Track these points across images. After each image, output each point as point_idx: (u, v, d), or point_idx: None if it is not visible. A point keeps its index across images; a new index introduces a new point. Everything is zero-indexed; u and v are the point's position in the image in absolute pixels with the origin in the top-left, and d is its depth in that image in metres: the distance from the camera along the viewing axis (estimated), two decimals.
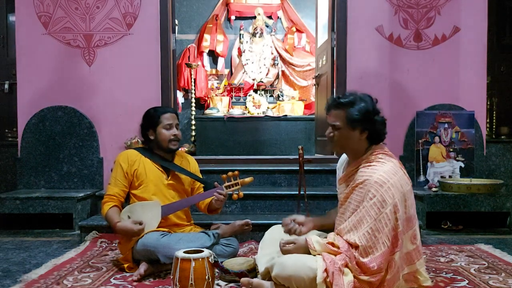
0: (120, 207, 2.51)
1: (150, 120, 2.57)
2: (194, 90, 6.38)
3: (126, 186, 2.55)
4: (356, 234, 1.85)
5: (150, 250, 2.31)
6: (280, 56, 7.02)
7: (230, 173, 2.54)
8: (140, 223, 2.38)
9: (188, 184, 2.68)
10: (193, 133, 6.11)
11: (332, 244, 1.90)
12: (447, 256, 2.75)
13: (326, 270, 1.80)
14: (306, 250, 1.93)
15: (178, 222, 2.61)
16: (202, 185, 2.70)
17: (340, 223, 2.02)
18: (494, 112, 4.96)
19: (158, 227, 2.45)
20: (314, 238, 1.94)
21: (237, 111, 6.27)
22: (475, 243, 3.06)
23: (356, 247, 1.85)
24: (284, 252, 1.99)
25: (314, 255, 1.89)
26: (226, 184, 2.54)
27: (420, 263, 1.99)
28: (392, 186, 1.85)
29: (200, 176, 2.74)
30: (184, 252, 2.00)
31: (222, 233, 2.58)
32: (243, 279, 2.05)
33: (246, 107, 6.47)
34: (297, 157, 3.09)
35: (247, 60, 6.90)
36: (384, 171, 1.89)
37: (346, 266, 1.84)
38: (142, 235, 2.37)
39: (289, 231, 2.15)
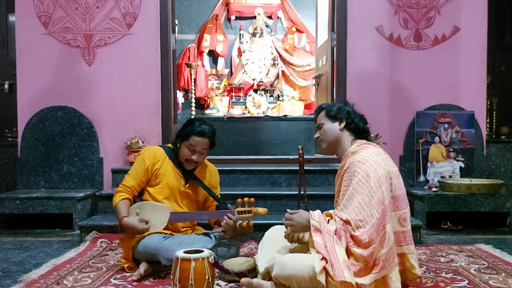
0: (132, 201, 2.50)
1: (183, 131, 2.52)
2: (194, 90, 6.38)
3: (143, 182, 2.53)
4: (347, 211, 1.94)
5: (151, 252, 2.31)
6: (280, 56, 7.02)
7: (246, 199, 2.44)
8: (146, 223, 2.37)
9: (202, 196, 2.66)
10: None
11: (330, 216, 1.98)
12: (447, 256, 2.75)
13: (323, 258, 1.83)
14: (307, 220, 1.96)
15: (181, 229, 2.60)
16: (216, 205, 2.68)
17: None
18: (494, 112, 4.95)
19: (164, 229, 2.45)
20: (316, 212, 1.99)
21: (237, 111, 6.28)
22: (475, 243, 3.06)
23: (348, 223, 1.92)
24: (287, 219, 2.03)
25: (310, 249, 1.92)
26: (239, 209, 2.44)
27: (408, 249, 2.05)
28: (374, 163, 1.97)
29: (218, 188, 2.72)
30: (184, 252, 2.00)
31: (223, 234, 2.57)
32: (243, 279, 2.05)
33: (246, 107, 6.47)
34: (297, 157, 3.09)
35: (247, 60, 6.90)
36: (366, 152, 2.04)
37: (338, 235, 1.90)
38: (145, 234, 2.36)
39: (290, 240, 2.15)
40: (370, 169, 1.95)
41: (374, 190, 1.92)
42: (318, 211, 2.00)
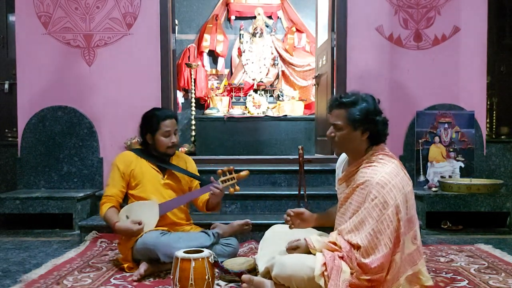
0: (118, 208, 2.52)
1: (149, 125, 2.57)
2: (194, 90, 6.38)
3: (124, 187, 2.56)
4: (358, 235, 1.85)
5: (150, 249, 2.31)
6: (280, 56, 7.02)
7: (225, 168, 2.55)
8: (139, 223, 2.38)
9: (185, 183, 2.68)
10: (193, 133, 6.11)
11: (334, 244, 1.90)
12: (447, 256, 2.75)
13: (325, 264, 1.81)
14: (309, 251, 1.94)
15: (177, 221, 2.60)
16: (199, 183, 2.70)
17: (340, 223, 2.02)
18: (494, 112, 4.95)
19: (157, 227, 2.46)
20: (313, 238, 1.95)
21: (237, 111, 6.27)
22: (475, 243, 3.06)
23: (357, 247, 1.84)
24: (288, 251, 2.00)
25: (314, 254, 1.90)
26: (222, 178, 2.54)
27: (422, 263, 1.99)
28: (393, 187, 1.85)
29: (198, 174, 2.74)
30: (184, 252, 2.01)
31: (222, 232, 2.58)
32: (244, 276, 2.04)
33: (246, 107, 6.47)
34: (297, 157, 3.10)
35: (247, 60, 6.90)
36: (386, 173, 1.88)
37: (344, 261, 1.85)
38: (141, 234, 2.37)
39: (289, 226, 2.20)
40: (389, 195, 1.83)
41: (391, 219, 1.82)
42: (315, 239, 1.93)
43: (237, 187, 2.55)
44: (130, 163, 2.58)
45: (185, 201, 2.62)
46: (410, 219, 1.93)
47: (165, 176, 2.61)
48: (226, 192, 2.57)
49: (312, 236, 1.97)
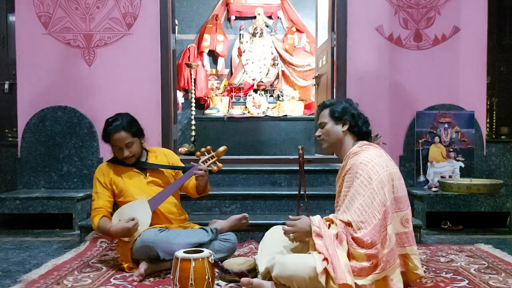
0: (110, 217, 2.50)
1: (103, 137, 2.55)
2: (194, 90, 6.38)
3: (110, 196, 2.55)
4: (349, 212, 1.95)
5: (149, 246, 2.31)
6: (280, 56, 7.02)
7: (202, 149, 2.56)
8: (132, 219, 2.37)
9: (169, 175, 2.66)
10: (193, 133, 6.11)
11: (332, 221, 1.97)
12: (447, 256, 2.75)
13: (325, 259, 1.84)
14: (308, 226, 1.95)
15: (170, 217, 2.58)
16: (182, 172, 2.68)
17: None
18: (494, 112, 4.96)
19: (153, 225, 2.45)
20: (316, 217, 1.99)
21: (237, 111, 6.27)
22: (475, 243, 3.06)
23: (350, 225, 1.92)
24: (288, 225, 2.01)
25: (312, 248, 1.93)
26: (202, 159, 2.54)
27: (411, 250, 2.05)
28: (376, 164, 1.98)
29: (181, 165, 2.72)
30: (184, 252, 2.01)
31: (220, 228, 2.58)
32: (243, 279, 2.05)
33: (246, 107, 6.47)
34: (297, 157, 3.09)
35: (247, 60, 6.90)
36: (368, 154, 2.04)
37: (339, 238, 1.90)
38: (139, 234, 2.36)
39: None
40: (372, 170, 1.96)
41: (376, 192, 1.93)
42: (318, 216, 2.00)
43: (219, 164, 2.56)
44: (108, 172, 2.57)
45: (172, 190, 2.58)
46: (398, 199, 2.02)
47: (147, 175, 2.60)
48: (209, 169, 2.54)
49: (315, 216, 2.00)
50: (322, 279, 1.81)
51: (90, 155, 3.98)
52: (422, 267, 2.44)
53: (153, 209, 2.47)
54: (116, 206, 2.60)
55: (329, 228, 1.95)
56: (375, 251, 1.88)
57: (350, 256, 1.90)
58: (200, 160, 2.54)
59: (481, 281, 2.27)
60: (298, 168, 3.06)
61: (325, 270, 1.83)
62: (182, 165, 2.72)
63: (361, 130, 2.16)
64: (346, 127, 2.15)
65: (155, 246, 2.29)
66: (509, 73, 5.02)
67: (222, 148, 2.58)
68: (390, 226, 1.93)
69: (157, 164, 2.63)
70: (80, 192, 3.72)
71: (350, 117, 2.15)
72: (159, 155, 2.70)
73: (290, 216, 2.06)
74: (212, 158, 2.55)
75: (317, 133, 2.24)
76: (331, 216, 2.02)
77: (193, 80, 6.34)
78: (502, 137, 4.80)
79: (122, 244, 2.47)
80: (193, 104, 6.26)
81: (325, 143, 2.22)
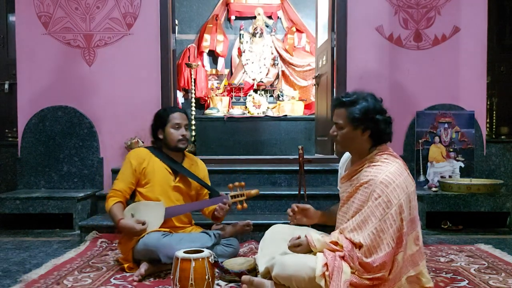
0: (125, 204, 2.51)
1: (160, 119, 2.58)
2: (194, 90, 6.36)
3: (133, 183, 2.55)
4: (361, 234, 1.84)
5: (151, 250, 2.31)
6: (280, 56, 7.02)
7: (236, 183, 2.54)
8: (143, 223, 2.38)
9: (194, 188, 2.66)
10: (193, 133, 6.10)
11: (336, 243, 1.89)
12: (447, 256, 2.75)
13: (326, 265, 1.81)
14: (310, 250, 1.93)
15: (179, 225, 2.60)
16: (208, 191, 2.70)
17: (342, 221, 2.02)
18: (494, 112, 4.96)
19: (160, 227, 2.45)
20: (315, 237, 1.94)
21: (237, 111, 6.27)
22: (475, 243, 3.06)
23: (359, 246, 1.84)
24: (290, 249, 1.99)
25: (315, 254, 1.90)
26: (232, 194, 2.53)
27: (423, 264, 1.99)
28: (397, 186, 1.85)
29: (208, 182, 2.73)
30: (184, 252, 2.01)
31: (223, 233, 2.58)
32: (244, 277, 2.04)
33: (246, 107, 6.47)
34: (297, 157, 3.09)
35: (247, 60, 6.90)
36: (389, 172, 1.88)
37: (345, 261, 1.84)
38: (143, 234, 2.37)
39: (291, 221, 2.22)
40: (393, 194, 1.83)
41: (394, 219, 1.82)
42: (316, 239, 1.92)
43: (245, 205, 2.54)
44: (144, 160, 2.56)
45: (191, 210, 2.63)
46: (413, 220, 1.92)
47: (177, 179, 2.60)
48: (233, 207, 2.55)
49: (313, 235, 1.96)
50: (322, 283, 1.79)
51: (90, 155, 3.98)
52: None
53: (166, 218, 2.47)
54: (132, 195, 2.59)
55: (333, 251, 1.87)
56: (381, 274, 1.82)
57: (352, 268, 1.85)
58: (229, 194, 2.53)
59: (481, 281, 2.27)
60: (298, 168, 3.06)
61: (324, 274, 1.81)
62: (208, 181, 2.73)
63: (383, 138, 2.00)
64: (366, 135, 1.96)
65: (158, 250, 2.29)
66: (509, 73, 5.02)
67: (254, 191, 2.56)
68: (401, 253, 1.84)
69: (191, 173, 2.63)
70: (80, 192, 3.71)
71: (371, 123, 1.94)
72: (194, 164, 2.71)
73: (288, 244, 1.99)
74: (241, 196, 2.54)
75: (332, 132, 2.04)
76: (334, 238, 1.91)
77: (193, 80, 6.33)
78: (502, 137, 4.80)
79: (125, 242, 2.46)
80: (193, 104, 6.25)
81: (339, 144, 2.05)
